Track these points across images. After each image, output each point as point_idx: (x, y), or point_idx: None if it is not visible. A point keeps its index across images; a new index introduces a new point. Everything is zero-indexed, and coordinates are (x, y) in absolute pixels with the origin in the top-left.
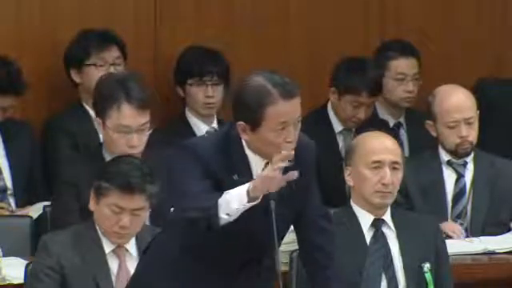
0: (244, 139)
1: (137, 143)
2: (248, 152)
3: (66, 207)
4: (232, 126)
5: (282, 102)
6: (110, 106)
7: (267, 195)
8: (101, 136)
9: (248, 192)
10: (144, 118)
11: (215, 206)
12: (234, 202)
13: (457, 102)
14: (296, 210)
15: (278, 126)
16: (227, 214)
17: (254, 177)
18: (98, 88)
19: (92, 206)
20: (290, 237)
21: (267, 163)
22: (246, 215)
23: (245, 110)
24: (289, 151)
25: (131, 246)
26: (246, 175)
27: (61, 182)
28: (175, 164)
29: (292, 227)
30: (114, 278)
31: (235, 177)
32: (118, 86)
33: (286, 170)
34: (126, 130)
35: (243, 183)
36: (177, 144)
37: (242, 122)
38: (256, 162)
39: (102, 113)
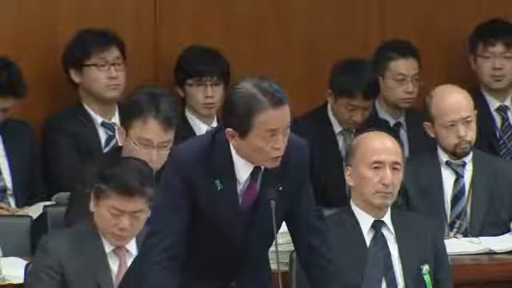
0: (232, 145)
1: (155, 158)
2: (236, 157)
3: (85, 209)
4: (220, 130)
5: (272, 110)
6: (136, 116)
7: (263, 196)
8: (102, 137)
9: None
10: (167, 136)
11: None
12: None
13: (454, 102)
14: (285, 210)
15: (266, 134)
16: None
17: (238, 181)
18: (129, 97)
19: (92, 207)
20: (290, 237)
21: (255, 168)
22: (230, 220)
23: (234, 117)
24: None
25: (131, 247)
26: (229, 180)
27: (80, 182)
28: (163, 176)
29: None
30: (114, 278)
31: (217, 182)
32: (149, 100)
33: (276, 175)
34: (147, 144)
35: (225, 189)
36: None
37: (230, 129)
38: (243, 168)
39: (127, 121)
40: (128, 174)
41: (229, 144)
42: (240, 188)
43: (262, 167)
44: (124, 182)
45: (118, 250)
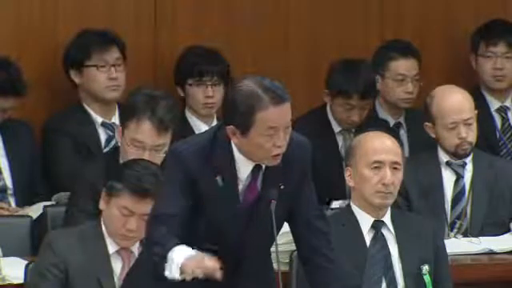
0: (234, 142)
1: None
2: (237, 154)
3: (84, 209)
4: (220, 128)
5: (273, 107)
6: (131, 117)
7: (264, 195)
8: (102, 137)
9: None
10: (161, 140)
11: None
12: (171, 265)
13: (455, 103)
14: (286, 209)
15: (267, 131)
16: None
17: (239, 179)
18: (129, 97)
19: (102, 205)
20: (290, 237)
21: (256, 166)
22: (230, 217)
23: (235, 114)
24: (279, 153)
25: (135, 248)
26: (230, 177)
27: (80, 182)
28: (165, 171)
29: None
30: (116, 279)
31: (219, 179)
32: (146, 101)
33: (277, 174)
34: (140, 146)
35: (226, 186)
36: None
37: (231, 126)
38: (244, 165)
39: (123, 121)
40: (144, 176)
41: (230, 141)
42: (241, 186)
43: (263, 165)
44: (140, 183)
45: (122, 251)
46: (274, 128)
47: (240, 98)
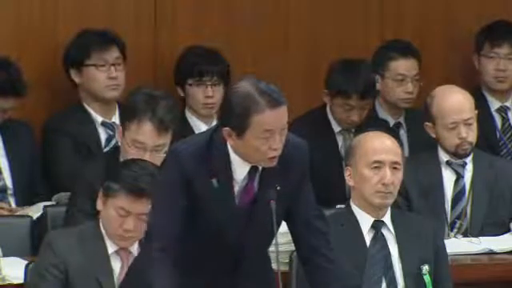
0: (229, 144)
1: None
2: (233, 156)
3: (82, 209)
4: (217, 129)
5: (268, 110)
6: (131, 118)
7: (261, 196)
8: (102, 137)
9: None
10: (161, 140)
11: None
12: None
13: (455, 103)
14: (283, 210)
15: (263, 134)
16: None
17: (235, 180)
18: (128, 98)
19: (99, 205)
20: (290, 237)
21: (252, 167)
22: (229, 217)
23: (231, 116)
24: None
25: (134, 249)
26: (225, 179)
27: (79, 181)
28: (162, 171)
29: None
30: (116, 279)
31: (214, 181)
32: (147, 101)
33: (274, 175)
34: (140, 147)
35: (221, 188)
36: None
37: (227, 128)
38: (240, 167)
39: (124, 122)
40: (140, 176)
41: (226, 143)
42: (237, 187)
43: (260, 167)
44: (136, 183)
45: (121, 251)
46: (269, 131)
47: (236, 100)
